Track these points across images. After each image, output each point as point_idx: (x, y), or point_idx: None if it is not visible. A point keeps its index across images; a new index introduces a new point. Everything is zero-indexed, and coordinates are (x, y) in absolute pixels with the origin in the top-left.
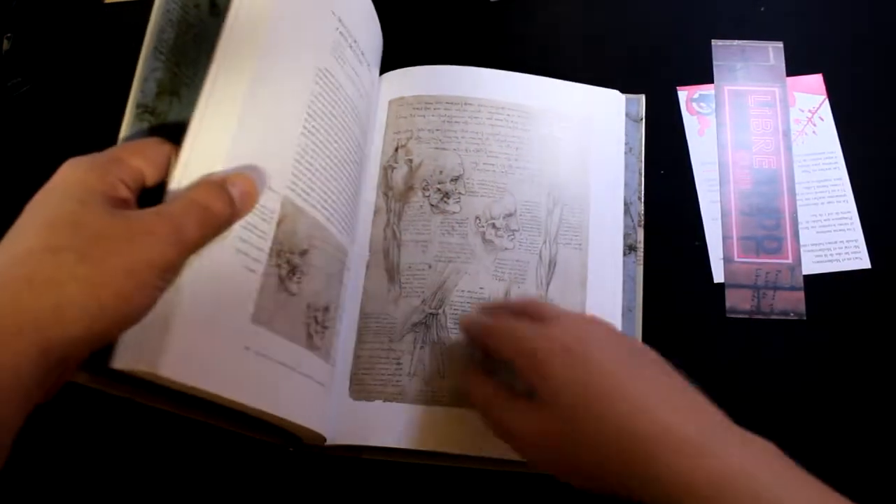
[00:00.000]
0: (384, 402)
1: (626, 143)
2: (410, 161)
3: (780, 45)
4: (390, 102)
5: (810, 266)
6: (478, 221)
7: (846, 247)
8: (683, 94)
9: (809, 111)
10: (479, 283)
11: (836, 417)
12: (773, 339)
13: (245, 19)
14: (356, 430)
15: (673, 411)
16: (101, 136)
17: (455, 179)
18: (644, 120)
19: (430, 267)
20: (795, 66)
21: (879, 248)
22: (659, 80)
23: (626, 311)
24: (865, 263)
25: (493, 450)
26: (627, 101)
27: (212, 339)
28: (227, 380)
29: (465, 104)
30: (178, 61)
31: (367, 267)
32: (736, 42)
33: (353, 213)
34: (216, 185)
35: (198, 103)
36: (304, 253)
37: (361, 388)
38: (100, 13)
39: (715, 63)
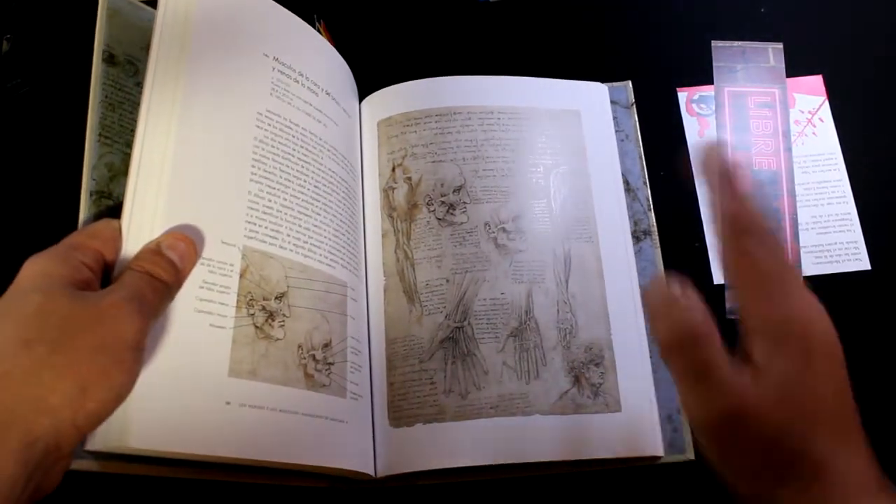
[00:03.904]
0: (424, 424)
1: (621, 131)
2: (409, 179)
3: (781, 46)
4: (378, 123)
5: (810, 267)
6: (487, 228)
7: (846, 248)
8: (683, 95)
9: (809, 112)
10: (500, 288)
11: None
12: None
13: (162, 82)
14: (403, 459)
15: None
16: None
17: (457, 190)
18: (635, 105)
19: (447, 281)
20: (795, 68)
21: (879, 250)
22: (659, 81)
23: None
24: (865, 265)
25: (544, 455)
26: (615, 89)
27: (183, 401)
28: (209, 438)
29: (455, 114)
30: (128, 141)
31: (385, 291)
32: (736, 43)
33: (353, 242)
34: (153, 251)
35: (129, 171)
36: (281, 296)
37: (399, 414)
38: None
39: (715, 64)
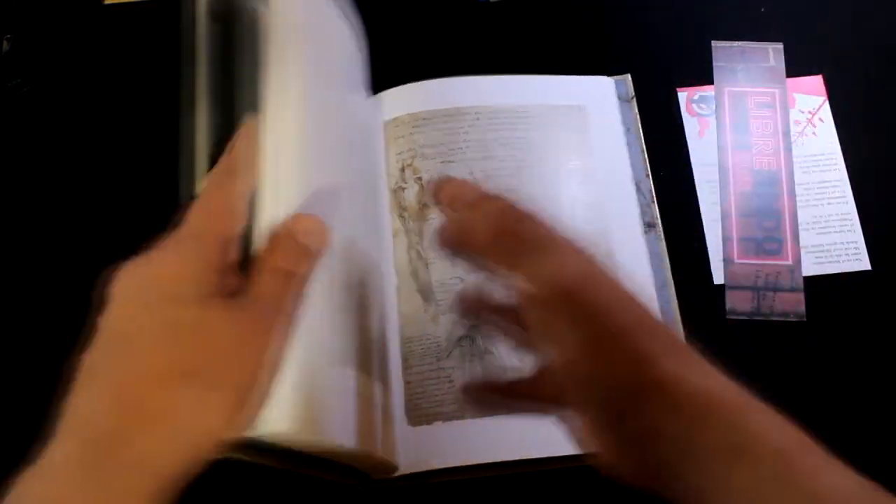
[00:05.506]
0: (444, 422)
1: (622, 124)
2: (420, 179)
3: (781, 46)
4: (385, 124)
5: (810, 267)
6: None
7: (846, 248)
8: (683, 95)
9: (809, 112)
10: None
11: (835, 419)
12: (773, 340)
13: (282, 49)
14: (421, 457)
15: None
16: (101, 138)
17: None
18: (635, 98)
19: (462, 279)
20: (795, 68)
21: (879, 250)
22: (659, 81)
23: (660, 287)
24: (865, 265)
25: (562, 448)
26: (614, 82)
27: (330, 392)
28: (342, 429)
29: (462, 114)
30: (227, 102)
31: (398, 291)
32: (736, 43)
33: (375, 237)
34: (291, 244)
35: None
36: (360, 284)
37: (418, 412)
38: (100, 14)
39: (715, 64)
